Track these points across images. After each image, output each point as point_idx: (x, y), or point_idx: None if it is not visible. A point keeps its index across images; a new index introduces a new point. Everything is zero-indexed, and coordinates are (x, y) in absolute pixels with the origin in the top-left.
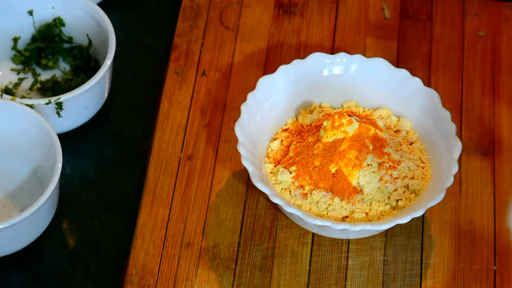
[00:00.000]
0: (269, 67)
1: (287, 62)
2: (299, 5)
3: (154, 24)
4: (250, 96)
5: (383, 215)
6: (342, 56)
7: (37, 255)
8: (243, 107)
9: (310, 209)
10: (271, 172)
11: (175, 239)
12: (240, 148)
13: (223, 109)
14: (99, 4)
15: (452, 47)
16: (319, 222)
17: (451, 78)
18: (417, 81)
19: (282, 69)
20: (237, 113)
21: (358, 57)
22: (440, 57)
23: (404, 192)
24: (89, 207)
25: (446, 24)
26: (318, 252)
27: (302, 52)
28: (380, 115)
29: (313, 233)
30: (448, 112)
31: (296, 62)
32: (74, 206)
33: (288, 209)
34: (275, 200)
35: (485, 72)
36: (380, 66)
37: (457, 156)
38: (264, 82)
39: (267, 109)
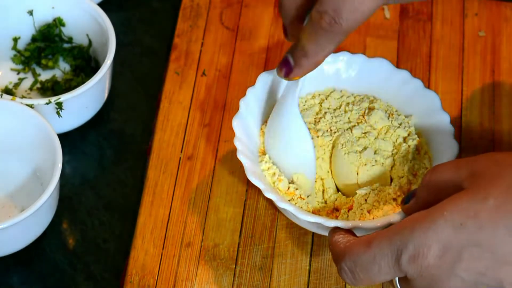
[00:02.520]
0: (269, 67)
1: None
2: None
3: (154, 24)
4: (249, 91)
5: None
6: (344, 55)
7: (37, 255)
8: (242, 102)
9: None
10: (268, 168)
11: (175, 239)
12: (237, 143)
13: (223, 109)
14: (99, 4)
15: (452, 47)
16: (311, 218)
17: (451, 78)
18: (418, 83)
19: None
20: None
21: (360, 57)
22: (440, 57)
23: (403, 192)
24: (89, 207)
25: (446, 24)
26: (318, 252)
27: None
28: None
29: (313, 233)
30: (447, 114)
31: None
32: (74, 206)
33: (281, 205)
34: (268, 195)
35: (485, 72)
36: (382, 66)
37: (453, 158)
38: (264, 78)
39: (266, 105)
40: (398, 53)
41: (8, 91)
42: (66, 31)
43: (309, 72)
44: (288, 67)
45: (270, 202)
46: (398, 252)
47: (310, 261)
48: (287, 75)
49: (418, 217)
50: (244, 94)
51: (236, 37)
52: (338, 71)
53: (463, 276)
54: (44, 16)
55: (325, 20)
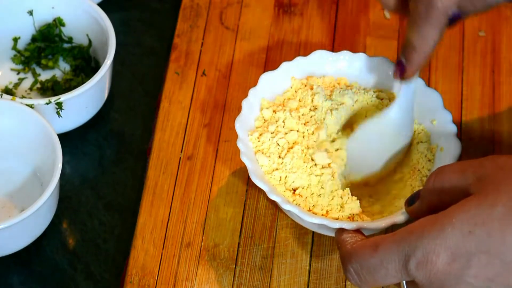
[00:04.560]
0: (269, 67)
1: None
2: (299, 5)
3: (154, 24)
4: (251, 92)
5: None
6: (345, 54)
7: (37, 255)
8: (244, 103)
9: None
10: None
11: (175, 239)
12: (240, 144)
13: (223, 109)
14: (99, 4)
15: (452, 47)
16: (316, 220)
17: (451, 78)
18: (419, 81)
19: (284, 66)
20: (237, 113)
21: (361, 56)
22: (440, 57)
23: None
24: (89, 207)
25: None
26: (318, 252)
27: (302, 52)
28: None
29: (313, 233)
30: (449, 113)
31: (298, 59)
32: (74, 206)
33: (286, 207)
34: (273, 197)
35: (485, 72)
36: (383, 65)
37: (456, 156)
38: (266, 79)
39: (268, 105)
40: (398, 53)
41: (8, 91)
42: (66, 31)
43: (421, 66)
44: (401, 67)
45: (270, 202)
46: (406, 258)
47: (310, 261)
48: (402, 75)
49: (426, 223)
50: (244, 94)
51: (236, 37)
52: (339, 71)
53: (472, 282)
54: (44, 16)
55: (420, 6)
